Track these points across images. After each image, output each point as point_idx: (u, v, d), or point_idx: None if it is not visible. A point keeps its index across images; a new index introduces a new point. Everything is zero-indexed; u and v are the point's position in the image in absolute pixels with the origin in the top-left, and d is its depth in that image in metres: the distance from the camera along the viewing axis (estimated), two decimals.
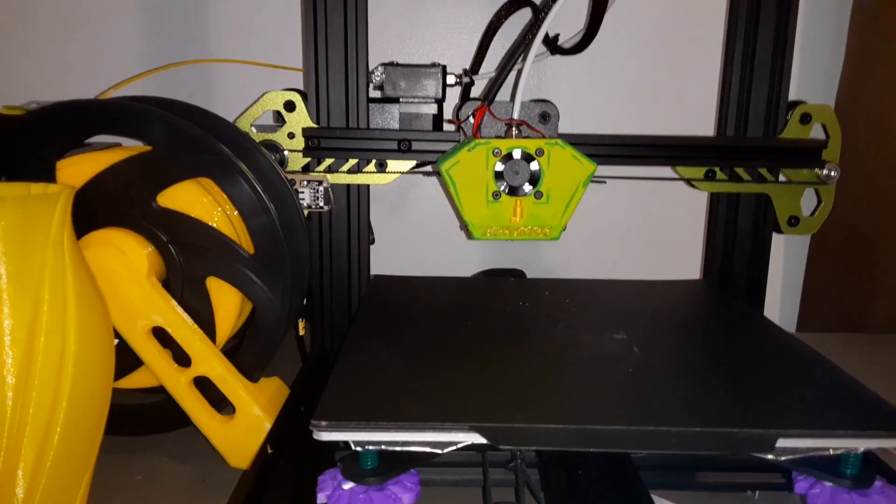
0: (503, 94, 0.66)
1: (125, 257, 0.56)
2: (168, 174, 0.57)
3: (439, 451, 0.43)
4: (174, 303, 0.57)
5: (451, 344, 0.56)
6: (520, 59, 0.67)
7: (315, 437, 0.43)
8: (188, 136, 0.57)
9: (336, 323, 0.72)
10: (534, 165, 0.60)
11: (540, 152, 0.60)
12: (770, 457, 0.42)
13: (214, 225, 0.58)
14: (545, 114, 0.67)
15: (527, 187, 0.61)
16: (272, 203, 0.58)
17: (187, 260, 0.58)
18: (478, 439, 0.43)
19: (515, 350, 0.55)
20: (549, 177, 0.60)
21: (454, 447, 0.43)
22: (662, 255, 0.94)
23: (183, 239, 0.58)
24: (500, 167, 0.60)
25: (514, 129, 0.63)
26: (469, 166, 0.61)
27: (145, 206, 0.57)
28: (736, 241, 0.74)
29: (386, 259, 0.91)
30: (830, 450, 0.43)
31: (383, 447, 0.43)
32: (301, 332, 0.71)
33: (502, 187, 0.61)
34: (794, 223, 0.72)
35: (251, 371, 0.60)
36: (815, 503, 0.46)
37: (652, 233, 0.94)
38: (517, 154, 0.60)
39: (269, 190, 0.59)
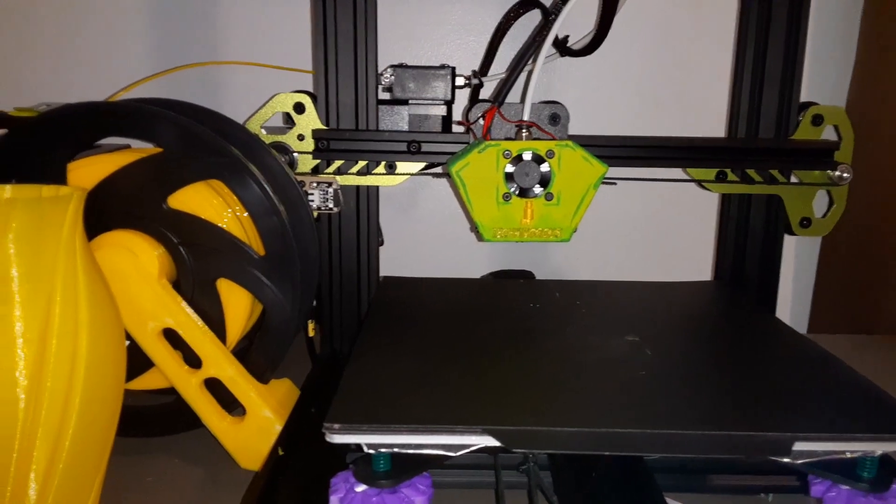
0: (513, 96, 0.66)
1: (136, 259, 0.56)
2: (178, 176, 0.57)
3: (452, 454, 0.43)
4: (185, 304, 0.57)
5: (462, 346, 0.55)
6: (529, 61, 0.67)
7: (328, 439, 0.42)
8: (198, 139, 0.57)
9: (346, 324, 0.72)
10: (544, 167, 0.60)
11: (550, 154, 0.60)
12: (786, 460, 0.42)
13: (224, 226, 0.58)
14: (555, 115, 0.67)
15: (537, 189, 0.60)
16: (282, 205, 0.58)
17: (198, 261, 0.58)
18: (491, 442, 0.42)
19: (527, 352, 0.54)
20: (559, 178, 0.60)
21: (467, 450, 0.43)
22: (672, 256, 0.94)
23: (193, 240, 0.58)
24: (510, 169, 0.60)
25: (524, 130, 0.63)
26: (479, 168, 0.60)
27: (156, 208, 0.57)
28: (747, 242, 0.73)
29: (395, 260, 0.91)
30: (847, 453, 0.42)
31: (396, 450, 0.43)
32: (311, 334, 0.71)
33: (513, 189, 0.60)
34: (806, 224, 0.72)
35: (261, 372, 0.59)
36: None
37: (662, 234, 0.94)
38: (527, 156, 0.60)
39: (278, 192, 0.59)
